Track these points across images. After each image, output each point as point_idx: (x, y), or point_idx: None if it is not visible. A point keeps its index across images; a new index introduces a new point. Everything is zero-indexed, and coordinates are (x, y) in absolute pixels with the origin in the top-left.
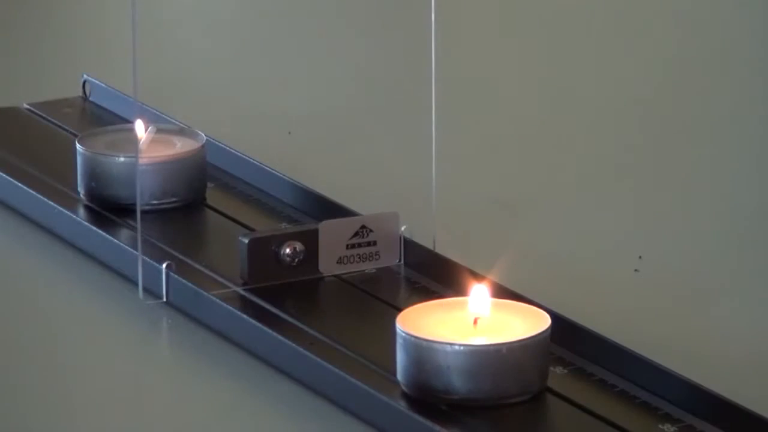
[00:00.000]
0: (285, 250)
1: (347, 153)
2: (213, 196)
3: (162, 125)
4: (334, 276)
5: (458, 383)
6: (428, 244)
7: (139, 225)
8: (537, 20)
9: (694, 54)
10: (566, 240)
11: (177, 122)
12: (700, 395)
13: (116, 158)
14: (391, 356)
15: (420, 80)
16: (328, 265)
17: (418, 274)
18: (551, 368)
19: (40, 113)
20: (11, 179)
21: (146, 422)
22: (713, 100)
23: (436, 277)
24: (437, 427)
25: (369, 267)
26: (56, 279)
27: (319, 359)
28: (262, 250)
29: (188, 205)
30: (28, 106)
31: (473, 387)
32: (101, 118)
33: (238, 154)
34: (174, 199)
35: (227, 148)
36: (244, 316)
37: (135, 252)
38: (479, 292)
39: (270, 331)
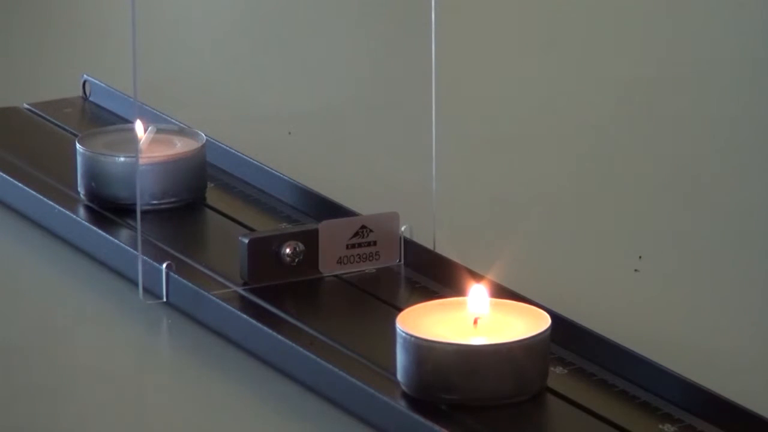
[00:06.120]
0: (285, 250)
1: (347, 153)
2: (213, 196)
3: (162, 125)
4: (334, 276)
5: (458, 383)
6: (428, 244)
7: (139, 225)
8: (537, 20)
9: (694, 53)
10: (566, 240)
11: (177, 122)
12: (700, 395)
13: (116, 158)
14: (391, 356)
15: (420, 80)
16: (328, 265)
17: (418, 274)
18: (551, 368)
19: (40, 113)
20: (11, 179)
21: (146, 422)
22: (714, 100)
23: (436, 277)
24: (437, 427)
25: (369, 267)
26: (56, 279)
27: (319, 359)
28: (262, 250)
29: (188, 205)
30: (28, 106)
31: (473, 387)
32: (101, 118)
33: (238, 154)
34: (174, 199)
35: (227, 148)
36: (244, 316)
37: (135, 252)
38: (479, 292)
39: (270, 331)
